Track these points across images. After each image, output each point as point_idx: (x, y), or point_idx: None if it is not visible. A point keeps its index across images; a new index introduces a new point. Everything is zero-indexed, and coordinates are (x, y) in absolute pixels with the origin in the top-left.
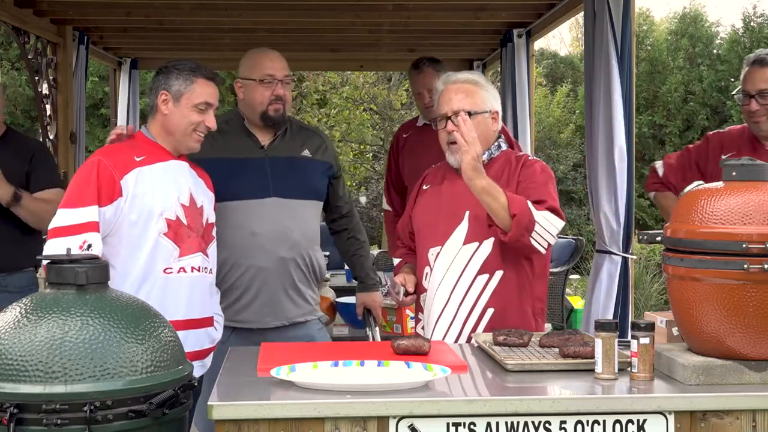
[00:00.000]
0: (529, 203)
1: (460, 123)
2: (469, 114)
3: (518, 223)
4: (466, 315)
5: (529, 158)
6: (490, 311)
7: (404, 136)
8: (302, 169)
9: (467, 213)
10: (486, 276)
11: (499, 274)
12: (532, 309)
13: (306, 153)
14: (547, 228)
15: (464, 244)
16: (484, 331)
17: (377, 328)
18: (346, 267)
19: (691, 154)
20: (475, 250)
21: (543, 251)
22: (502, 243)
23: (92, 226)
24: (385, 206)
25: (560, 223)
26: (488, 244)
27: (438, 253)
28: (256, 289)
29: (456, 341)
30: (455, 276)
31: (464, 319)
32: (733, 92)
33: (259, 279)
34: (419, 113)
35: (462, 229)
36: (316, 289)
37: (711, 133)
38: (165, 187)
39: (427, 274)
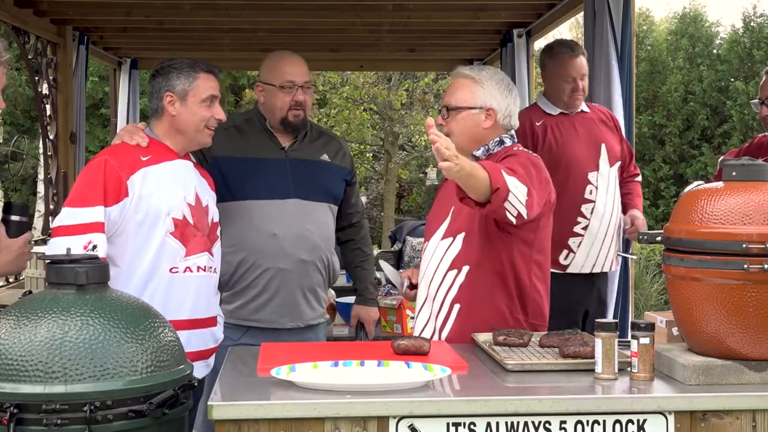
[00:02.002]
0: (502, 171)
1: (430, 125)
2: (448, 109)
3: (498, 195)
4: (437, 310)
5: (515, 149)
6: (457, 307)
7: (537, 124)
8: (321, 172)
9: (452, 209)
10: (455, 271)
11: (465, 269)
12: (509, 308)
13: (325, 157)
14: (516, 195)
15: (442, 239)
16: (453, 326)
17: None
18: None
19: (740, 153)
20: (449, 246)
21: (513, 221)
22: (470, 237)
23: (98, 227)
24: None
25: (524, 189)
26: (459, 240)
27: (425, 248)
28: (274, 289)
29: (431, 337)
30: (432, 271)
31: (436, 314)
32: (753, 100)
33: (277, 280)
34: (539, 100)
35: (444, 224)
36: (327, 292)
37: (761, 134)
38: (172, 187)
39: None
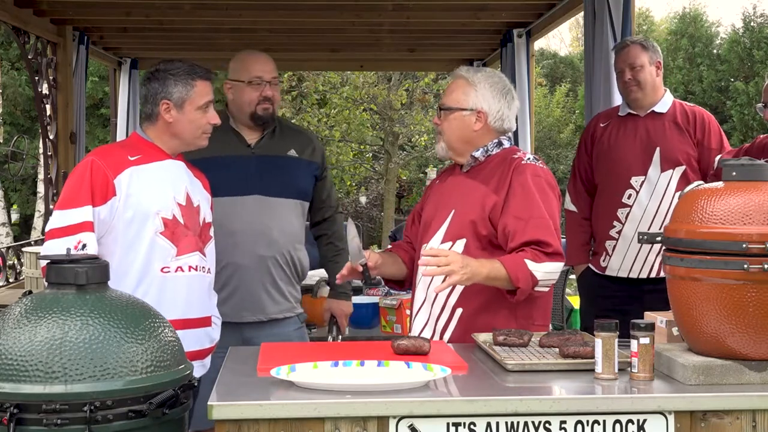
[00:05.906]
0: (528, 262)
1: (429, 254)
2: (441, 109)
3: (523, 291)
4: (438, 314)
5: (522, 162)
6: (459, 311)
7: (601, 125)
8: (287, 167)
9: (452, 212)
10: None
11: None
12: (514, 314)
13: (292, 152)
14: (548, 278)
15: (442, 242)
16: (455, 330)
17: (339, 337)
18: None
19: (739, 153)
20: (449, 249)
21: (546, 290)
22: (474, 245)
23: (87, 226)
24: (569, 206)
25: (559, 267)
26: (460, 244)
27: (423, 249)
28: (234, 285)
29: (430, 338)
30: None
31: (436, 318)
32: (757, 104)
33: (237, 276)
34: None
35: (444, 227)
36: (297, 287)
37: (762, 135)
38: (161, 186)
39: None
